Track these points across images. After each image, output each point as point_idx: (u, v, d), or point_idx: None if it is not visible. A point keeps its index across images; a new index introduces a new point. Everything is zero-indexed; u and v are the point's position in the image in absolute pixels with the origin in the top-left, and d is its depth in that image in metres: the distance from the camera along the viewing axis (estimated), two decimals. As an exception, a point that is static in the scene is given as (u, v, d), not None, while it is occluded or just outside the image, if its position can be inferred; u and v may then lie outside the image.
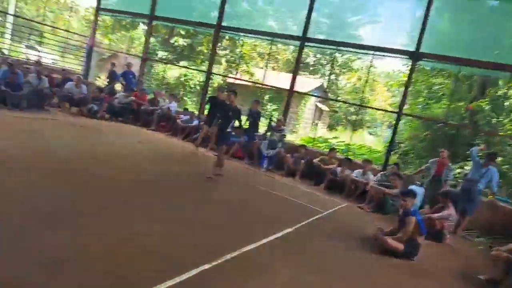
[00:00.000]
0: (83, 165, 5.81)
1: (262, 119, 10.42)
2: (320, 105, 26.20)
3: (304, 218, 5.65)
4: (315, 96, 21.79)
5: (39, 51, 15.27)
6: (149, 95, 12.16)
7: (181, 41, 18.07)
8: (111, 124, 10.45)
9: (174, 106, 11.49)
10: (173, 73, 18.47)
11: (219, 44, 19.04)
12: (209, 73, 11.97)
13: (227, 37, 19.19)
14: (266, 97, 20.73)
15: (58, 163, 5.62)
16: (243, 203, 5.95)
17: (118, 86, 12.78)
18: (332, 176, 8.41)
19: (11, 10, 20.93)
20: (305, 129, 22.80)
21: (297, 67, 10.89)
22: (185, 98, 17.91)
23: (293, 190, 7.52)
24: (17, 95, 9.20)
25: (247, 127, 9.92)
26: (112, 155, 6.93)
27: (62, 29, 15.30)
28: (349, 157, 9.54)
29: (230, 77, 18.60)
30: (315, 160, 8.95)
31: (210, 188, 6.34)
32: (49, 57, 14.97)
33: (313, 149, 10.17)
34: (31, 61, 12.21)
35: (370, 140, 21.55)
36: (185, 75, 17.99)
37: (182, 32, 18.23)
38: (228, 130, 7.20)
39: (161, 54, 19.14)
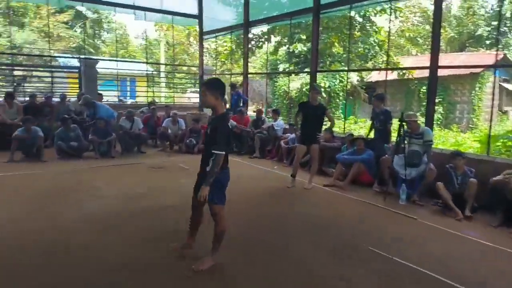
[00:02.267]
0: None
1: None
2: (507, 85, 19.36)
3: None
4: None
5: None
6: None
7: (301, 47, 15.62)
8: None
9: (280, 124, 9.05)
10: (295, 84, 16.06)
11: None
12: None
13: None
14: (424, 88, 16.09)
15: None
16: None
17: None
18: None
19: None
20: (487, 122, 16.76)
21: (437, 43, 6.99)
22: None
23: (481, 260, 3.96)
24: (104, 141, 8.41)
25: (371, 136, 6.70)
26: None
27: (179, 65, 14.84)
28: None
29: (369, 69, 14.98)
30: (498, 179, 4.93)
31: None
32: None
33: (495, 159, 5.95)
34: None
35: None
36: (307, 84, 15.37)
37: (303, 37, 15.81)
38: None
39: (282, 67, 17.10)
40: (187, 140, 9.31)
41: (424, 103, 16.26)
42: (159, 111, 10.25)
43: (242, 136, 9.33)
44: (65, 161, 7.77)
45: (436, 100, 16.58)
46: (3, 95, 9.57)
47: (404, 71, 16.20)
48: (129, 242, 3.86)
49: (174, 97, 14.62)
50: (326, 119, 6.36)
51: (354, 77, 17.47)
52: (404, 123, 5.77)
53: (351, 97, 17.89)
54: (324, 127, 6.63)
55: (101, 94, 10.75)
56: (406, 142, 5.90)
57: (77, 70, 11.00)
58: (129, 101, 15.93)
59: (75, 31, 25.78)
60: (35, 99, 9.47)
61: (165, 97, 18.47)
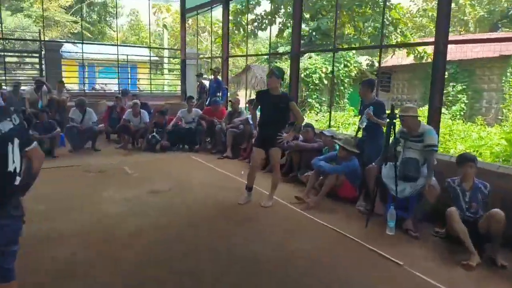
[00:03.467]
0: None
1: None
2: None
3: None
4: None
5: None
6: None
7: (305, 27, 13.80)
8: (162, 158, 7.25)
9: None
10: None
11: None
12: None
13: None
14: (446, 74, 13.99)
15: None
16: None
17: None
18: None
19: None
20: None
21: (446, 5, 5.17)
22: (310, 100, 13.33)
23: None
24: (45, 137, 7.07)
25: (360, 136, 5.09)
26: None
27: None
28: None
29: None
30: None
31: None
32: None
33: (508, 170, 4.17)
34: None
35: None
36: (305, 69, 13.57)
37: (307, 16, 13.99)
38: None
39: (282, 50, 15.29)
40: (150, 135, 7.88)
41: (447, 91, 14.39)
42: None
43: (198, 130, 7.94)
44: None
45: (459, 88, 14.60)
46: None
47: (421, 54, 14.14)
48: None
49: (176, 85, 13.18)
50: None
51: (364, 61, 15.46)
52: (395, 120, 4.11)
53: (359, 84, 15.92)
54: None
55: (62, 82, 9.40)
56: (399, 145, 4.24)
57: (37, 55, 9.68)
58: (102, 87, 14.45)
59: (74, 15, 24.63)
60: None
61: (168, 85, 17.19)
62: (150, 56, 14.71)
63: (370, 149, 4.89)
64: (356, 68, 14.74)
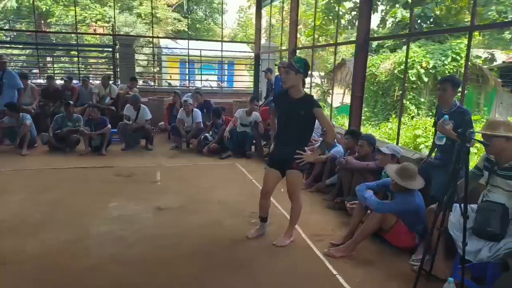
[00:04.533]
0: None
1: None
2: None
3: None
4: None
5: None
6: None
7: (402, 13, 11.61)
8: (203, 163, 6.48)
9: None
10: (386, 65, 12.05)
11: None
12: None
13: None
14: None
15: None
16: None
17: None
18: None
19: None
20: None
21: None
22: (405, 101, 11.04)
23: None
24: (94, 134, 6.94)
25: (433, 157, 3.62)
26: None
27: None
28: None
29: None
30: None
31: None
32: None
33: None
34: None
35: None
36: (401, 63, 11.34)
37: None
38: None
39: (377, 42, 13.23)
40: (202, 136, 7.24)
41: None
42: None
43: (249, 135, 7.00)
44: (40, 155, 6.57)
45: None
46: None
47: None
48: None
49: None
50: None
51: (481, 54, 12.53)
52: (471, 141, 2.60)
53: (475, 84, 12.87)
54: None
55: (135, 79, 9.38)
56: (479, 181, 2.71)
57: (110, 49, 9.85)
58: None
59: (180, 13, 25.76)
60: (53, 81, 8.61)
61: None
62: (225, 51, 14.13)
63: (442, 179, 3.37)
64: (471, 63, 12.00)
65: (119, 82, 9.90)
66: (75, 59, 10.72)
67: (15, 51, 13.11)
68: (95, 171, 5.77)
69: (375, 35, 13.28)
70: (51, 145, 6.89)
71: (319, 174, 5.26)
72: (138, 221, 3.96)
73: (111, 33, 11.15)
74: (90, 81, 9.11)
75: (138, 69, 15.68)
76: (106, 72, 9.69)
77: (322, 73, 19.29)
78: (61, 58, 13.01)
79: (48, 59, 12.54)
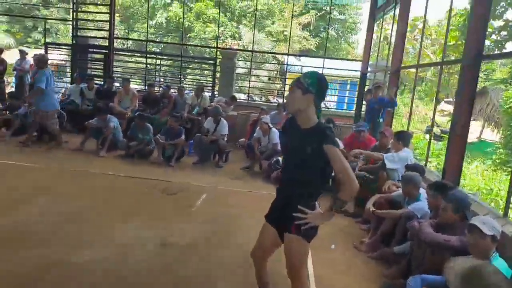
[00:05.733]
0: None
1: None
2: None
3: None
4: None
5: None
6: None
7: None
8: (260, 192, 5.44)
9: (404, 154, 4.72)
10: None
11: None
12: None
13: None
14: None
15: None
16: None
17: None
18: None
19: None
20: None
21: None
22: None
23: None
24: (167, 144, 6.72)
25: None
26: None
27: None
28: None
29: None
30: None
31: None
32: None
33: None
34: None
35: None
36: None
37: None
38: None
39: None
40: (273, 160, 6.38)
41: None
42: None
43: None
44: (114, 159, 6.61)
45: None
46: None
47: None
48: None
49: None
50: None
51: None
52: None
53: None
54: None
55: (235, 98, 9.05)
56: None
57: (212, 61, 9.78)
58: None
59: (309, 33, 25.54)
60: (153, 88, 8.89)
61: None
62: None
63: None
64: None
65: (216, 94, 9.78)
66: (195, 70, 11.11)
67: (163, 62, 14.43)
68: (143, 183, 5.41)
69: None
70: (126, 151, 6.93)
71: (389, 234, 3.83)
72: (130, 254, 3.29)
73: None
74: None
75: (259, 84, 15.76)
76: (204, 84, 9.65)
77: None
78: (195, 70, 13.81)
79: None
